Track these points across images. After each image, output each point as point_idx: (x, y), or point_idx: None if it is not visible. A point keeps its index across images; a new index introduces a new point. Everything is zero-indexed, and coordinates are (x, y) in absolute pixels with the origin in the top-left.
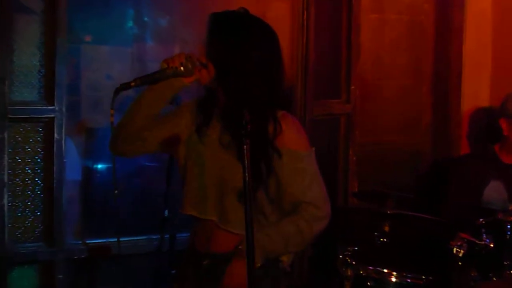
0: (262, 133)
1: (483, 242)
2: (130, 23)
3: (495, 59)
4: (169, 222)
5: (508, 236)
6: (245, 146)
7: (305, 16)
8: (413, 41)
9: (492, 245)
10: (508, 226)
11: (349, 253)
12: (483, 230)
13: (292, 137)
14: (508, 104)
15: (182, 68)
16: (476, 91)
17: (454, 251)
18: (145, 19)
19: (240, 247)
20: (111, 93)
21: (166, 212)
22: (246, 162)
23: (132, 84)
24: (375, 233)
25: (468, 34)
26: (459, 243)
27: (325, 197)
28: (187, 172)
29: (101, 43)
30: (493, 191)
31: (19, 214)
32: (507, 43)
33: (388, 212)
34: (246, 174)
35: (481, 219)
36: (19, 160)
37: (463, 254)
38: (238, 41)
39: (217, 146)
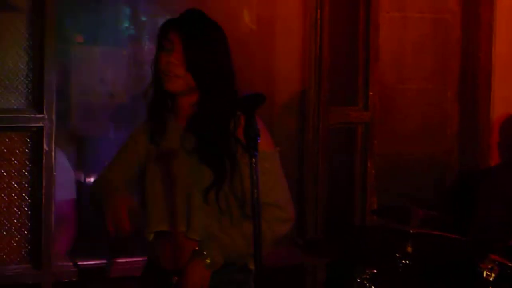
0: (225, 128)
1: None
2: (126, 23)
3: None
4: None
5: None
6: (253, 160)
7: (318, 14)
8: (438, 41)
9: None
10: None
11: (368, 277)
12: None
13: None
14: None
15: None
16: (507, 95)
17: (484, 275)
18: (143, 18)
19: (196, 248)
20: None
21: None
22: (254, 176)
23: None
24: (397, 254)
25: (498, 33)
26: (489, 266)
27: (289, 199)
28: (149, 188)
29: (93, 44)
30: None
31: (4, 233)
32: None
33: (411, 231)
34: (255, 190)
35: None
36: (5, 174)
37: (494, 277)
38: (214, 45)
39: (179, 153)
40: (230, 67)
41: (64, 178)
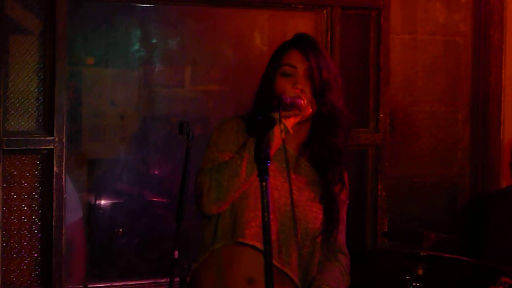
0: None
1: None
2: (137, 45)
3: None
4: (179, 264)
5: None
6: (264, 183)
7: (329, 37)
8: (449, 63)
9: None
10: None
11: None
12: None
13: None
14: None
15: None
16: None
17: None
18: (153, 40)
19: None
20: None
21: (177, 253)
22: (265, 199)
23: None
24: (408, 278)
25: (508, 56)
26: None
27: None
28: (252, 198)
29: (104, 66)
30: None
31: (14, 255)
32: None
33: (422, 254)
34: (266, 213)
35: None
36: (15, 196)
37: None
38: (333, 69)
39: (286, 176)
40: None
41: (71, 201)
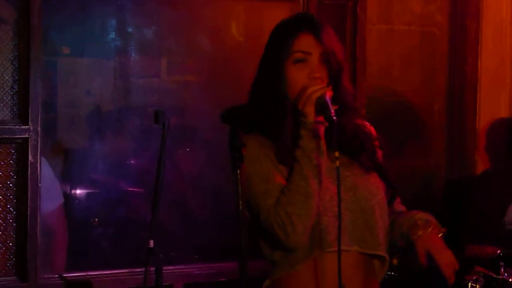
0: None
1: (501, 277)
2: (112, 34)
3: None
4: (155, 254)
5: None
6: (238, 171)
7: None
8: (425, 54)
9: (511, 280)
10: None
11: None
12: (501, 263)
13: None
14: None
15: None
16: (494, 110)
17: (469, 286)
18: (129, 29)
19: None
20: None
21: (152, 242)
22: (239, 188)
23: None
24: None
25: (484, 47)
26: (474, 278)
27: None
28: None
29: (80, 56)
30: None
31: None
32: None
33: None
34: (240, 202)
35: (499, 251)
36: None
37: None
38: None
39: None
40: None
41: (50, 189)
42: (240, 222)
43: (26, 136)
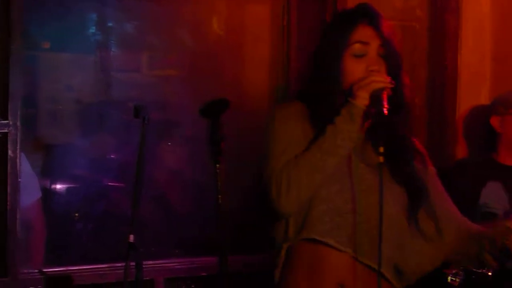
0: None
1: (481, 270)
2: (93, 29)
3: (494, 68)
4: (135, 249)
5: (509, 264)
6: (218, 165)
7: (285, 21)
8: (406, 48)
9: (490, 274)
10: (509, 251)
11: None
12: None
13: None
14: (497, 102)
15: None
16: (474, 103)
17: (449, 280)
18: (109, 24)
19: None
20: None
21: (132, 237)
22: (218, 182)
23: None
24: None
25: (464, 42)
26: (454, 271)
27: None
28: (324, 189)
29: (60, 50)
30: (491, 192)
31: None
32: (508, 52)
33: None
34: (219, 196)
35: None
36: None
37: (459, 283)
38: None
39: (357, 165)
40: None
41: (28, 184)
42: (219, 216)
43: (6, 131)
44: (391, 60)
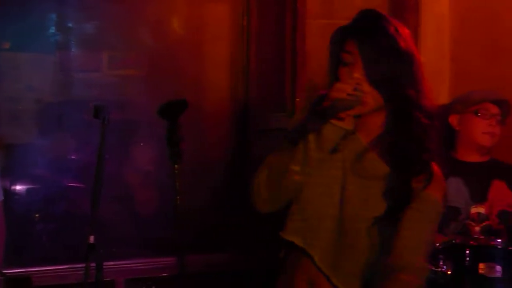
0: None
1: (439, 269)
2: (53, 29)
3: (453, 68)
4: (95, 250)
5: (468, 262)
6: (176, 166)
7: (245, 21)
8: None
9: (449, 273)
10: (467, 252)
11: None
12: (440, 256)
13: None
14: (456, 101)
15: (354, 104)
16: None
17: None
18: (69, 24)
19: None
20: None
21: (92, 238)
22: (176, 184)
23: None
24: None
25: (423, 41)
26: None
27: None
28: (306, 190)
29: (20, 50)
30: (452, 188)
31: None
32: (466, 51)
33: None
34: (177, 197)
35: (437, 244)
36: None
37: None
38: (402, 55)
39: (341, 170)
40: (419, 81)
41: None
42: (177, 216)
43: None
44: (375, 71)
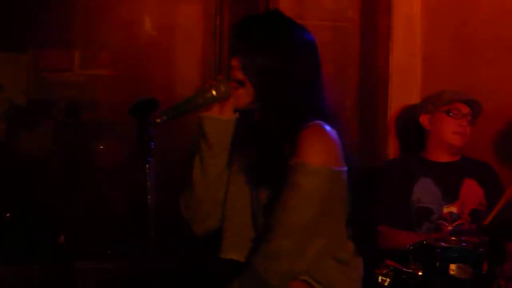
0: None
1: (410, 270)
2: (24, 27)
3: (425, 68)
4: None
5: (438, 263)
6: (147, 165)
7: (218, 21)
8: (337, 49)
9: (420, 273)
10: (438, 251)
11: None
12: (410, 257)
13: (304, 146)
14: (425, 101)
15: (214, 92)
16: (405, 105)
17: (380, 280)
18: (42, 22)
19: None
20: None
21: (62, 238)
22: (148, 182)
23: (158, 120)
24: None
25: (395, 42)
26: (384, 271)
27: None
28: (228, 206)
29: None
30: (423, 188)
31: None
32: (437, 51)
33: None
34: (149, 197)
35: (408, 245)
36: None
37: (389, 283)
38: (282, 50)
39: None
40: (300, 78)
41: None
42: (149, 216)
43: None
44: (244, 60)
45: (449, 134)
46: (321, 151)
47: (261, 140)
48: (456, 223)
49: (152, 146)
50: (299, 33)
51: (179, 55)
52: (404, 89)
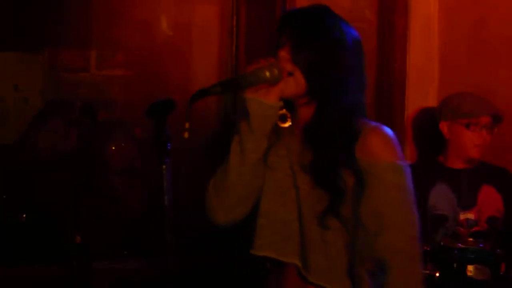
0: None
1: (427, 272)
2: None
3: (441, 69)
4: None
5: (455, 264)
6: (164, 166)
7: (234, 21)
8: None
9: (437, 275)
10: (455, 252)
11: None
12: (427, 258)
13: (382, 146)
14: (445, 107)
15: (267, 73)
16: (422, 106)
17: None
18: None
19: None
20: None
21: (79, 238)
22: (165, 184)
23: (213, 90)
24: None
25: (412, 42)
26: None
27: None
28: (264, 202)
29: (7, 49)
30: (439, 195)
31: None
32: (455, 52)
33: None
34: (166, 197)
35: (424, 246)
36: None
37: None
38: (333, 43)
39: (290, 170)
40: (352, 72)
41: None
42: (165, 217)
43: None
44: (295, 51)
45: (470, 147)
46: (397, 149)
47: (321, 138)
48: (473, 229)
49: (169, 147)
50: (347, 28)
51: (196, 55)
52: (421, 90)
